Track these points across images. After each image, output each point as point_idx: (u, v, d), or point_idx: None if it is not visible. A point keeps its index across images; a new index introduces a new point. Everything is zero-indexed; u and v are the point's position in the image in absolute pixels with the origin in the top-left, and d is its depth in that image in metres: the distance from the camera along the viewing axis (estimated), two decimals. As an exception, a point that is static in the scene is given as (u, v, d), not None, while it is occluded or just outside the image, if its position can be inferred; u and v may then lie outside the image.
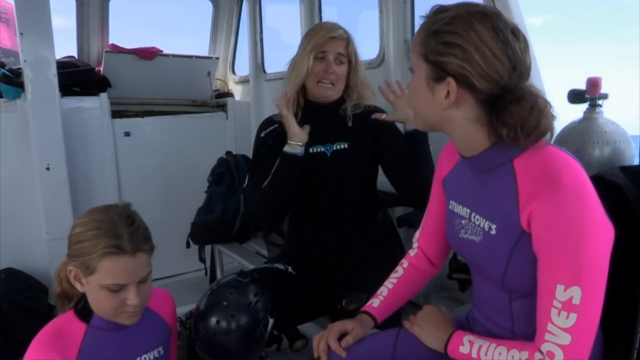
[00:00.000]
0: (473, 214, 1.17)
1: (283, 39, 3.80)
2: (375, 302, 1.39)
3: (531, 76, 1.83)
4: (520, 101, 1.02)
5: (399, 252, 2.00)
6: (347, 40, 1.90)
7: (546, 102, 1.05)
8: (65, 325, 1.33)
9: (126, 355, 1.37)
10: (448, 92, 1.06)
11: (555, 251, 0.98)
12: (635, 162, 1.47)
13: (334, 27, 1.91)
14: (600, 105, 1.48)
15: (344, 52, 1.88)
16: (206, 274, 3.18)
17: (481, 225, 1.14)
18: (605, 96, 1.47)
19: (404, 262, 1.46)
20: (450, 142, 1.23)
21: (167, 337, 1.47)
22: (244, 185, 2.20)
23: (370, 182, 1.97)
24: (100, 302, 1.30)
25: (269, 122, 1.99)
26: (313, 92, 1.91)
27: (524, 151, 1.06)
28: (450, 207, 1.27)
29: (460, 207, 1.22)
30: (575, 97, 1.48)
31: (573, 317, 0.97)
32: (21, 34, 2.84)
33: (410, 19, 2.42)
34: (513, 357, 1.05)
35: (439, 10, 1.10)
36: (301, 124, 1.86)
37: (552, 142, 1.56)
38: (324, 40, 1.86)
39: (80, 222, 1.30)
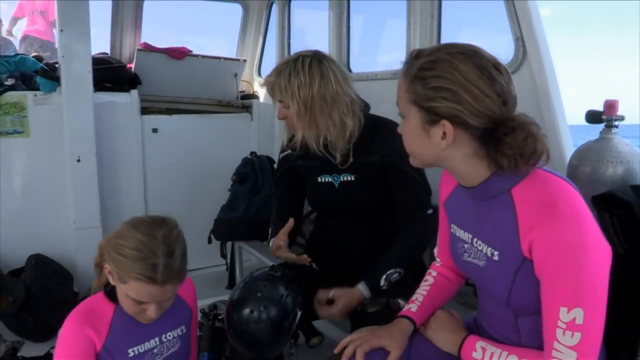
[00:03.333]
0: (475, 239, 1.22)
1: (310, 43, 3.89)
2: (413, 307, 1.43)
3: (552, 97, 1.89)
4: (515, 131, 1.07)
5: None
6: (274, 84, 1.84)
7: (538, 128, 1.09)
8: (97, 304, 1.47)
9: (152, 333, 1.51)
10: (444, 133, 1.10)
11: (556, 277, 1.04)
12: (648, 182, 1.53)
13: (270, 74, 1.87)
14: (617, 126, 1.54)
15: (280, 97, 1.85)
16: (227, 269, 3.27)
17: (484, 251, 1.19)
18: (621, 118, 1.53)
19: (433, 272, 1.51)
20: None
21: (189, 318, 1.61)
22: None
23: (385, 205, 1.95)
24: (123, 303, 1.43)
25: (283, 145, 2.07)
26: None
27: (522, 180, 1.11)
28: (452, 231, 1.33)
29: (462, 231, 1.28)
30: (592, 117, 1.55)
31: (577, 335, 1.03)
32: (61, 30, 2.97)
33: (436, 34, 2.49)
34: None
35: (418, 55, 1.14)
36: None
37: (569, 159, 1.64)
38: (269, 92, 1.88)
39: (124, 234, 1.37)
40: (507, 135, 1.07)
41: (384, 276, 1.78)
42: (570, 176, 1.57)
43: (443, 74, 1.08)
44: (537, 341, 1.15)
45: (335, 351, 1.38)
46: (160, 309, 1.41)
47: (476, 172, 1.15)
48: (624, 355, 1.20)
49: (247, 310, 1.55)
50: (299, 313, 1.63)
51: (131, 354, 1.47)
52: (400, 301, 1.67)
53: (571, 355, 1.04)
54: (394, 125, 1.85)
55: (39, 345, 2.62)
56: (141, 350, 1.48)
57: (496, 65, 1.10)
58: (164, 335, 1.53)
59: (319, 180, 1.96)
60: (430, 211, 1.84)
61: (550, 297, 1.06)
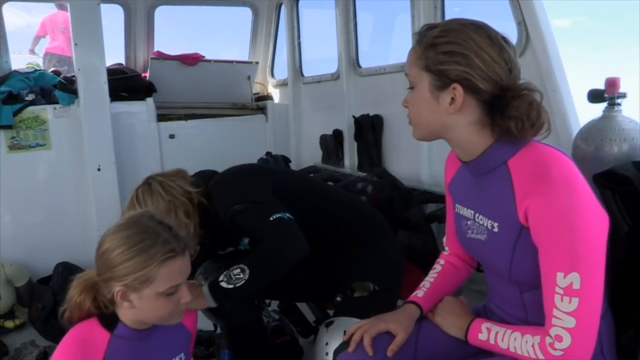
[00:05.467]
0: (477, 215, 1.24)
1: (320, 42, 3.91)
2: (419, 293, 1.43)
3: (556, 79, 1.88)
4: (521, 97, 1.11)
5: (431, 245, 2.07)
6: None
7: (541, 96, 1.14)
8: (89, 333, 1.31)
9: None
10: (452, 98, 1.13)
11: (551, 241, 1.05)
12: (653, 158, 1.50)
13: None
14: (619, 104, 1.52)
15: None
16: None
17: (485, 225, 1.21)
18: (623, 95, 1.51)
19: (441, 260, 1.51)
20: (453, 151, 1.30)
21: (188, 343, 1.50)
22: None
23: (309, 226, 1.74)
24: (156, 310, 1.30)
25: None
26: None
27: (517, 152, 1.14)
28: (456, 210, 1.34)
29: (465, 209, 1.29)
30: (594, 96, 1.54)
31: (575, 301, 1.03)
32: (76, 44, 3.05)
33: (440, 23, 2.49)
34: (527, 341, 1.12)
35: (430, 27, 1.18)
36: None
37: (573, 139, 1.63)
38: None
39: (114, 244, 1.26)
40: (514, 99, 1.11)
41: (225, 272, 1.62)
42: (575, 156, 1.55)
43: (456, 40, 1.12)
44: (543, 317, 1.14)
45: (344, 339, 1.39)
46: (191, 292, 1.34)
47: (477, 141, 1.17)
48: (632, 332, 1.19)
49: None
50: None
51: None
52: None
53: (570, 321, 1.04)
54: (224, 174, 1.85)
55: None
56: None
57: (504, 37, 1.15)
58: None
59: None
60: (275, 217, 1.66)
61: (547, 264, 1.07)
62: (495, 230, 1.18)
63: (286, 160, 3.34)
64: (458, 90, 1.12)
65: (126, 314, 1.32)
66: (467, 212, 1.29)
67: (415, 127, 1.25)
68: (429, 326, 1.39)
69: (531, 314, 1.21)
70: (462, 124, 1.16)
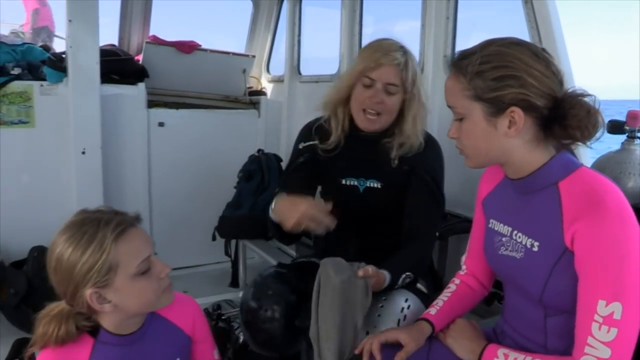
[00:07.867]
0: (515, 232, 1.23)
1: (321, 42, 3.86)
2: (432, 311, 1.41)
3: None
4: (577, 106, 1.10)
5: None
6: (403, 65, 1.64)
7: (595, 100, 1.12)
8: (70, 346, 1.23)
9: None
10: (510, 121, 1.12)
11: (598, 269, 1.04)
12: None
13: (390, 48, 1.66)
14: (639, 137, 1.51)
15: (396, 81, 1.65)
16: (232, 267, 3.24)
17: (523, 243, 1.19)
18: (645, 129, 1.50)
19: (456, 280, 1.50)
20: (491, 166, 1.30)
21: (184, 347, 1.38)
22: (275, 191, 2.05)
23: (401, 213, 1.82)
24: (141, 295, 1.21)
25: (308, 133, 1.88)
26: (356, 120, 1.75)
27: (569, 175, 1.13)
28: (490, 226, 1.32)
29: (501, 225, 1.28)
30: (614, 128, 1.52)
31: (614, 331, 1.02)
32: (70, 20, 2.93)
33: (451, 35, 2.45)
34: None
35: (465, 55, 1.16)
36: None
37: (591, 166, 1.60)
38: (374, 65, 1.65)
39: (62, 248, 1.18)
40: (573, 109, 1.10)
41: (403, 276, 1.66)
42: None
43: (503, 63, 1.11)
44: (563, 343, 1.15)
45: (356, 352, 1.36)
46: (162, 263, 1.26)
47: (531, 159, 1.17)
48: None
49: (260, 310, 1.54)
50: None
51: None
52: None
53: (605, 352, 1.03)
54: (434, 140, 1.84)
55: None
56: None
57: (544, 49, 1.16)
58: None
59: (344, 182, 1.83)
60: (435, 233, 1.76)
61: (588, 290, 1.06)
62: (535, 249, 1.16)
63: (278, 160, 3.27)
64: (517, 112, 1.11)
65: (109, 318, 1.24)
66: (503, 229, 1.27)
67: (472, 157, 1.23)
68: (439, 347, 1.36)
69: (550, 340, 1.20)
70: (520, 144, 1.16)
